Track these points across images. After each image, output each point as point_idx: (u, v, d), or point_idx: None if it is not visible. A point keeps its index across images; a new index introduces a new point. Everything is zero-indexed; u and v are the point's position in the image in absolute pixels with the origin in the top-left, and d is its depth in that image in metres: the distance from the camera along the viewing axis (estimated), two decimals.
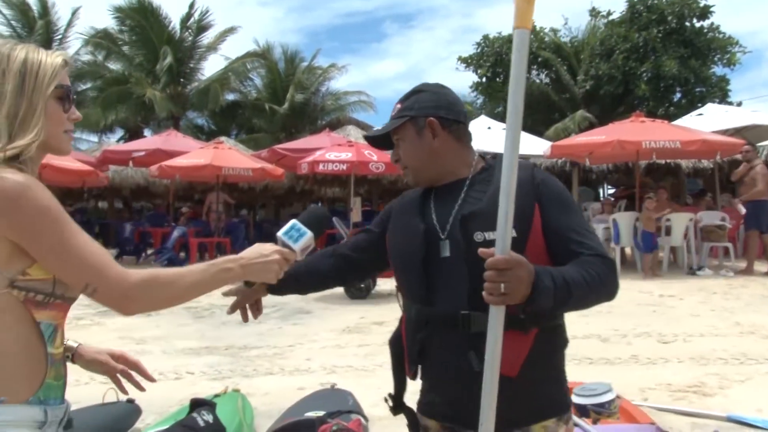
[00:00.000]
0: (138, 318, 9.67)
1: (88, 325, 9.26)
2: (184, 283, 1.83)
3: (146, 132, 30.70)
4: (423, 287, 2.12)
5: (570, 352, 5.67)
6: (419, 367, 2.18)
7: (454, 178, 2.19)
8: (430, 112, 2.17)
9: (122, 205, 25.62)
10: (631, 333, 8.17)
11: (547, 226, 2.04)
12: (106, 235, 20.71)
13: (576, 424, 4.09)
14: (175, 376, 6.63)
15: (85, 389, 5.74)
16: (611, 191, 25.37)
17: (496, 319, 1.83)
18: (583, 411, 4.43)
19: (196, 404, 4.28)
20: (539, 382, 2.07)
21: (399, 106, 2.23)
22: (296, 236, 2.02)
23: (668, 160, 17.79)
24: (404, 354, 2.22)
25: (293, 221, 2.05)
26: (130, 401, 5.00)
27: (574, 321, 9.05)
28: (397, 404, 2.32)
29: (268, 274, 1.95)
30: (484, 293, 1.80)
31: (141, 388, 2.23)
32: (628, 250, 14.05)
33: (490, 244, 1.85)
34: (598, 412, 4.43)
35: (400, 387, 2.31)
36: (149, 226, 18.14)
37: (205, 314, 9.93)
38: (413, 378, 2.23)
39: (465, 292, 2.00)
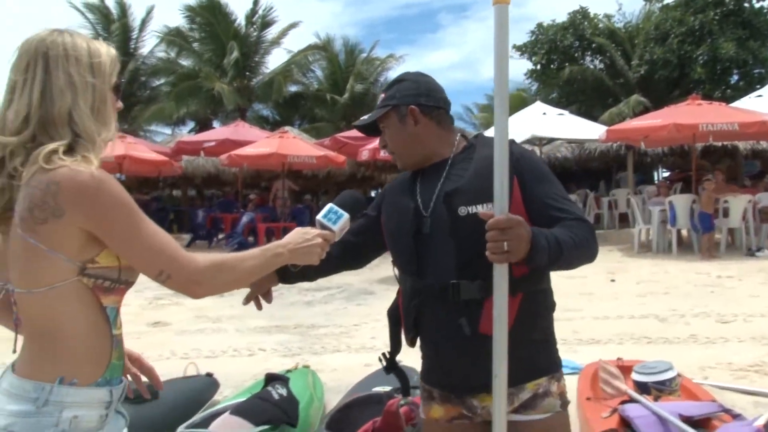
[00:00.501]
0: (212, 299, 9.75)
1: (167, 305, 9.48)
2: (244, 268, 1.86)
3: (215, 123, 31.06)
4: (414, 262, 2.21)
5: (628, 331, 5.61)
6: (417, 336, 2.26)
7: (439, 159, 2.27)
8: (411, 101, 2.26)
9: (195, 192, 26.02)
10: (689, 313, 7.98)
11: (527, 197, 2.11)
12: (180, 221, 21.12)
13: (637, 401, 4.02)
14: (248, 352, 6.75)
15: (167, 363, 5.89)
16: (666, 174, 24.78)
17: (501, 277, 1.93)
18: (644, 388, 4.32)
19: (271, 378, 4.34)
20: (529, 342, 2.15)
21: (383, 95, 2.31)
22: (334, 218, 2.07)
23: (725, 143, 17.26)
24: (401, 323, 2.30)
25: (330, 205, 2.11)
26: (209, 375, 5.14)
27: (630, 302, 8.93)
28: (390, 366, 2.44)
29: (312, 257, 2.00)
30: (487, 253, 1.88)
31: (146, 395, 2.25)
32: (684, 232, 13.68)
33: (474, 217, 2.00)
34: (659, 389, 4.31)
35: (394, 351, 2.40)
36: (220, 212, 18.36)
37: (274, 295, 9.96)
38: (412, 345, 2.30)
39: (452, 263, 2.09)
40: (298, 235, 2.01)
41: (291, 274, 2.31)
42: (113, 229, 1.68)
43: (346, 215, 2.08)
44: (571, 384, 4.77)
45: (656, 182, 17.03)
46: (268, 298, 2.46)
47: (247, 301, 2.44)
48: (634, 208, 14.18)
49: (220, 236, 17.56)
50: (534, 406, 2.14)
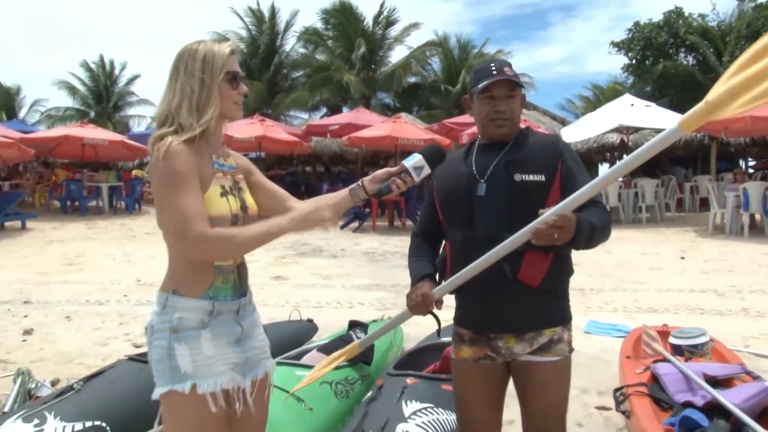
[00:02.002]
0: (326, 259, 10.25)
1: (289, 263, 9.92)
2: (243, 239, 2.01)
3: (344, 109, 31.64)
4: (466, 217, 2.33)
5: (685, 302, 5.63)
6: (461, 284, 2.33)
7: (505, 139, 2.38)
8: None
9: (323, 169, 26.64)
10: (746, 290, 7.70)
11: (565, 178, 2.28)
12: (309, 192, 21.73)
13: (668, 360, 4.03)
14: (349, 305, 7.03)
15: (282, 310, 6.25)
16: (752, 164, 23.43)
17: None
18: (678, 351, 4.31)
19: (353, 325, 4.58)
20: (552, 296, 2.32)
21: (510, 70, 2.33)
22: (419, 172, 2.22)
23: None
24: (447, 272, 2.41)
25: (419, 157, 2.23)
26: (310, 320, 5.42)
27: (695, 278, 8.69)
28: (439, 325, 2.54)
29: (308, 227, 2.13)
30: (533, 240, 2.02)
31: None
32: (758, 217, 13.01)
33: (525, 183, 2.25)
34: (691, 352, 4.29)
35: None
36: (342, 186, 18.69)
37: (379, 258, 10.28)
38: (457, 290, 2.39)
39: (502, 219, 2.24)
40: (311, 205, 2.17)
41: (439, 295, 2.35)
42: (157, 192, 2.00)
43: (418, 156, 2.23)
44: (617, 345, 4.83)
45: (734, 170, 16.11)
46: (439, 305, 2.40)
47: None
48: (711, 193, 13.59)
49: None
50: (549, 350, 2.30)
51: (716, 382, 3.68)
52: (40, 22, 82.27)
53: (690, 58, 27.26)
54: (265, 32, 32.32)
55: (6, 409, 3.68)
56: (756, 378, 3.71)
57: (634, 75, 28.97)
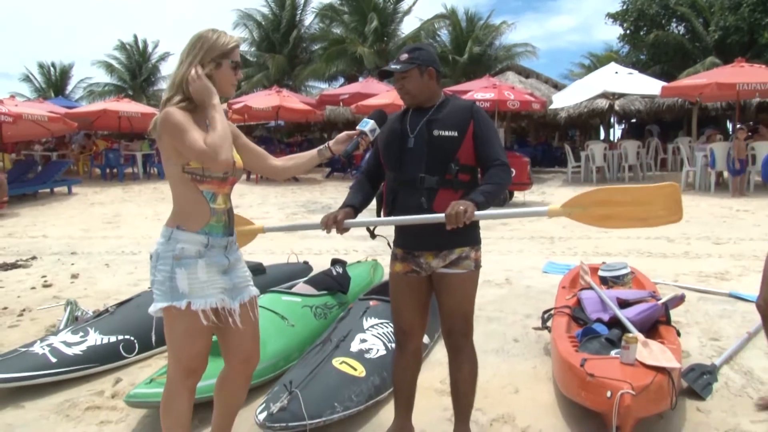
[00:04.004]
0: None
1: (298, 218, 10.43)
2: (221, 126, 2.33)
3: (360, 79, 31.87)
4: (398, 161, 2.80)
5: (637, 247, 6.33)
6: (393, 210, 2.81)
7: (428, 104, 2.83)
8: (430, 64, 2.81)
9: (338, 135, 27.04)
10: (694, 237, 8.13)
11: (476, 135, 2.73)
12: None
13: (592, 288, 4.55)
14: (344, 252, 7.54)
15: (279, 257, 6.83)
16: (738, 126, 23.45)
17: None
18: (603, 281, 4.82)
19: (334, 262, 5.13)
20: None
21: (406, 56, 2.80)
22: (364, 125, 2.79)
23: None
24: (383, 202, 2.90)
25: (364, 119, 2.83)
26: (305, 263, 5.98)
27: (654, 228, 9.09)
28: (372, 234, 2.99)
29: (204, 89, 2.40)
30: (447, 226, 2.53)
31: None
32: (725, 174, 13.35)
33: (442, 137, 2.71)
34: (614, 281, 4.79)
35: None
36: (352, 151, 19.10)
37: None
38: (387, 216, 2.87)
39: (423, 165, 2.73)
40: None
41: (358, 212, 2.90)
42: (164, 146, 2.37)
43: (371, 121, 2.78)
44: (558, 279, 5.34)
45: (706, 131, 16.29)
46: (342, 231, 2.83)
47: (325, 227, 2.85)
48: (684, 153, 13.93)
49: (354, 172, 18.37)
50: (458, 264, 2.78)
51: (628, 303, 4.20)
52: (80, 4, 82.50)
53: (681, 28, 27.11)
54: (286, 9, 32.48)
55: (60, 328, 4.36)
56: (658, 299, 4.23)
57: (629, 44, 28.85)
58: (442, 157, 2.69)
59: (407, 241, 2.86)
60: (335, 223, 2.77)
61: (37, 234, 9.35)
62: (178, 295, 2.36)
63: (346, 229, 2.81)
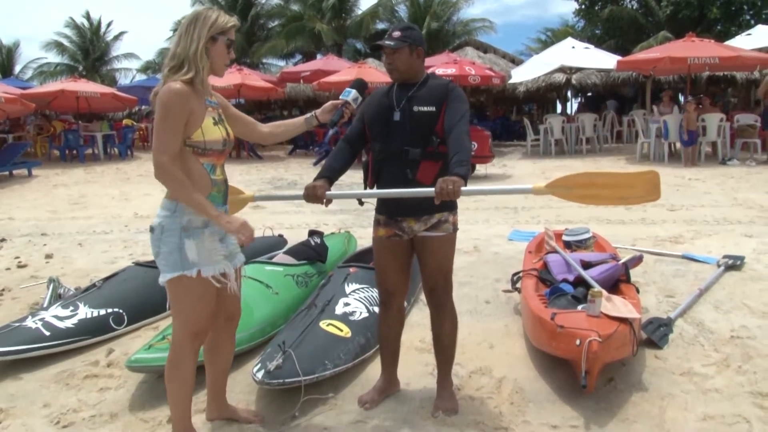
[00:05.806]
0: (300, 191, 10.88)
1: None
2: (184, 191, 2.44)
3: (318, 56, 31.70)
4: (384, 134, 3.00)
5: (597, 215, 6.68)
6: (378, 180, 3.03)
7: (413, 81, 3.03)
8: (419, 44, 3.02)
9: (298, 112, 26.98)
10: (650, 204, 8.42)
11: (448, 108, 2.92)
12: None
13: (557, 251, 4.83)
14: (315, 225, 7.64)
15: (259, 232, 6.96)
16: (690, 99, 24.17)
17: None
18: (567, 245, 5.10)
19: (312, 233, 5.31)
20: None
21: (398, 33, 2.99)
22: (347, 94, 3.00)
23: (725, 73, 16.94)
24: (369, 172, 3.08)
25: (347, 89, 3.04)
26: (280, 236, 6.13)
27: None
28: (360, 201, 3.16)
29: (222, 227, 2.57)
30: (436, 201, 2.70)
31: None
32: (677, 145, 13.85)
33: (421, 113, 2.91)
34: (577, 245, 5.08)
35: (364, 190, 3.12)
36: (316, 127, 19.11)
37: (345, 188, 10.86)
38: (372, 187, 3.07)
39: (407, 138, 2.93)
40: (233, 219, 2.57)
41: (333, 178, 3.04)
42: (156, 117, 2.43)
43: (353, 91, 2.98)
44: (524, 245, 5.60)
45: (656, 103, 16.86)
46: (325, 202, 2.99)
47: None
48: (638, 125, 14.38)
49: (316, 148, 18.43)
50: (437, 228, 3.00)
51: (591, 265, 4.49)
52: None
53: (634, 3, 27.67)
54: None
55: (45, 306, 4.46)
56: (618, 261, 4.53)
57: (584, 19, 29.35)
58: (423, 131, 2.90)
59: (390, 208, 3.06)
60: (320, 196, 2.93)
61: (2, 216, 9.27)
62: (188, 264, 2.50)
63: (330, 201, 2.97)
